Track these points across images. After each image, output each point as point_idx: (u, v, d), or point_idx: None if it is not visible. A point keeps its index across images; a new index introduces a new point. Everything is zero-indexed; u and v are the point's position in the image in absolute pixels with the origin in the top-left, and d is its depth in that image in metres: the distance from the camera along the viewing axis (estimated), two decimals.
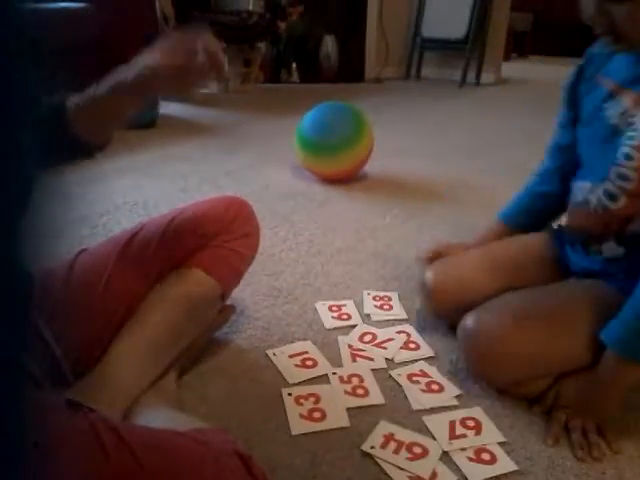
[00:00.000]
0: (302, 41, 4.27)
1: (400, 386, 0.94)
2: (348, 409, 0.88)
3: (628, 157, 0.83)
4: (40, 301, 0.48)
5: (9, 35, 0.28)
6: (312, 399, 0.90)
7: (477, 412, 0.88)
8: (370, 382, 0.95)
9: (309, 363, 1.00)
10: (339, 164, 1.94)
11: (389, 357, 1.02)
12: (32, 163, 0.32)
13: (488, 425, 0.85)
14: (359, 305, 1.20)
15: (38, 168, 0.35)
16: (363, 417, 0.87)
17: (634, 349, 0.78)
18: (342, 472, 0.77)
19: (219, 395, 0.92)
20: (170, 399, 0.84)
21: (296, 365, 0.99)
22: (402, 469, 0.77)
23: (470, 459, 0.79)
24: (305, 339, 1.07)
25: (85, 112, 0.70)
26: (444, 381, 0.96)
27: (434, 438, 0.83)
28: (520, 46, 6.65)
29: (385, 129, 2.61)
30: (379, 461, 0.78)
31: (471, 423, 0.86)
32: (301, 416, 0.86)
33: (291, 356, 1.01)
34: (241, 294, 1.18)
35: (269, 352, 1.02)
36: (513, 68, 5.34)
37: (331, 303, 1.20)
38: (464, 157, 2.39)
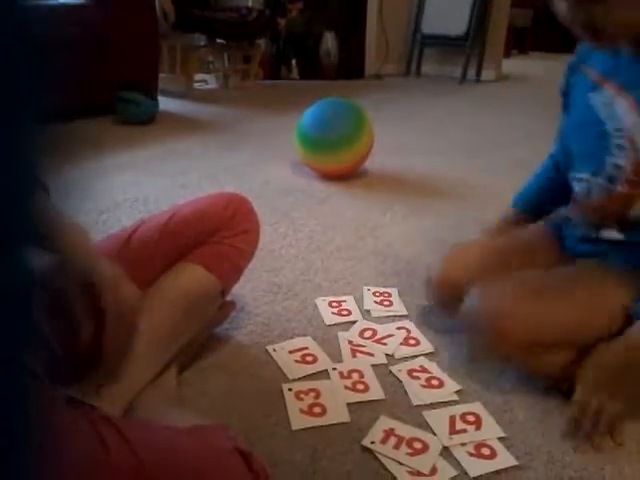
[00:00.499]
0: (302, 37, 4.27)
1: (400, 381, 0.95)
2: (348, 404, 0.89)
3: (620, 147, 0.86)
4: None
5: (15, 31, 0.28)
6: (312, 394, 0.90)
7: (477, 407, 0.88)
8: (370, 377, 0.95)
9: (309, 359, 1.00)
10: (339, 161, 1.93)
11: (389, 353, 1.02)
12: (32, 163, 0.32)
13: (488, 420, 0.86)
14: (359, 301, 1.20)
15: (38, 168, 0.35)
16: (363, 412, 0.87)
17: None
18: (342, 467, 0.77)
19: (219, 391, 0.92)
20: (170, 395, 0.85)
21: (296, 361, 0.99)
22: (402, 464, 0.77)
23: (470, 454, 0.79)
24: (305, 335, 1.07)
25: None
26: (444, 376, 0.96)
27: (434, 433, 0.83)
28: (520, 42, 6.64)
29: (385, 126, 2.61)
30: (379, 456, 0.78)
31: (471, 418, 0.86)
32: (301, 411, 0.87)
33: (291, 352, 1.01)
34: (241, 290, 1.18)
35: (269, 348, 1.02)
36: (513, 64, 5.34)
37: (331, 299, 1.20)
38: (464, 154, 2.39)
